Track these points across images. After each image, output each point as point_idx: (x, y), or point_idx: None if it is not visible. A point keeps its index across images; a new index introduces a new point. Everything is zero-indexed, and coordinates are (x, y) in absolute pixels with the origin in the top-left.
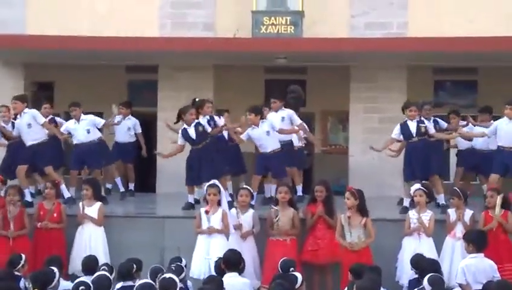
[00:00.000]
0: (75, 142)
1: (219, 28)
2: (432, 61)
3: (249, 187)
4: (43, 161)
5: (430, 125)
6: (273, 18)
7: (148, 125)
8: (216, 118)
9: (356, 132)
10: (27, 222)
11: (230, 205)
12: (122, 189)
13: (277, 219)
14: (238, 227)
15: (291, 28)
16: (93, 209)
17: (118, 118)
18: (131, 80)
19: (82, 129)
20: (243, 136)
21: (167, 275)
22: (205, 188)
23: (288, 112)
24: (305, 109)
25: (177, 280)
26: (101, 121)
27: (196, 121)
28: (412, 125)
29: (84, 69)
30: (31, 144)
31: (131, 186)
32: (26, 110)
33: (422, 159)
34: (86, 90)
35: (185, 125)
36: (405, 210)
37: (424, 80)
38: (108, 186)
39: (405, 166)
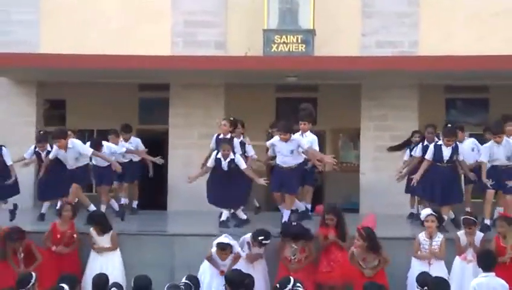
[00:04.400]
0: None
1: (230, 46)
2: (443, 80)
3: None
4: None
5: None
6: (284, 36)
7: (159, 143)
8: (246, 144)
9: (367, 149)
10: (37, 254)
11: None
12: (117, 209)
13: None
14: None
15: (302, 46)
16: (105, 240)
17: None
18: (142, 97)
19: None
20: (268, 143)
21: None
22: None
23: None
24: (316, 127)
25: None
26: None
27: (231, 158)
28: (446, 150)
29: (96, 86)
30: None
31: (135, 204)
32: (70, 144)
33: (446, 186)
34: (97, 108)
35: (220, 156)
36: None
37: (436, 98)
38: (124, 201)
39: (424, 185)
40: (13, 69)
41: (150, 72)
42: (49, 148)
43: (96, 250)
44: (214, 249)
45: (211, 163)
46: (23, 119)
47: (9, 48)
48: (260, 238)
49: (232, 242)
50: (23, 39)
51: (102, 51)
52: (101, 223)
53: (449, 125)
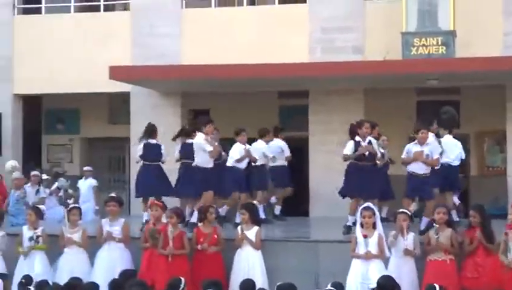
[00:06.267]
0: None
1: (368, 51)
2: None
3: (406, 210)
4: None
5: None
6: (423, 39)
7: (299, 150)
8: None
9: None
10: (186, 244)
11: None
12: (263, 216)
13: (437, 236)
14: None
15: (442, 48)
16: (251, 233)
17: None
18: (282, 105)
19: None
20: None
21: None
22: (360, 210)
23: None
24: (460, 130)
25: None
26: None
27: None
28: None
29: (238, 95)
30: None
31: (278, 210)
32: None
33: None
34: (239, 116)
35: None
36: None
37: None
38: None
39: None
40: (159, 81)
41: (289, 79)
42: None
43: (239, 242)
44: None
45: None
46: (169, 129)
47: (152, 61)
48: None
49: None
50: (165, 51)
51: (242, 60)
52: (252, 212)
53: None
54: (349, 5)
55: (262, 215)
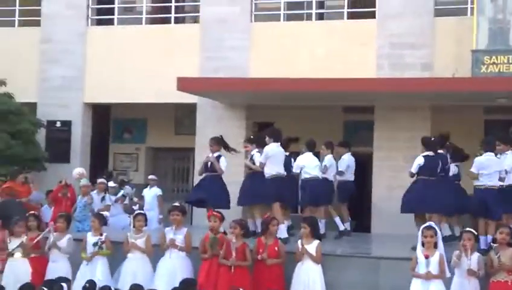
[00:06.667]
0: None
1: (437, 68)
2: None
3: (472, 230)
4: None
5: None
6: (494, 57)
7: (364, 165)
8: None
9: None
10: (248, 255)
11: None
12: (341, 227)
13: (498, 255)
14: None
15: None
16: (311, 247)
17: None
18: (347, 120)
19: None
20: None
21: None
22: (421, 229)
23: None
24: None
25: None
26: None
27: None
28: None
29: (302, 109)
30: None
31: (347, 225)
32: None
33: None
34: (303, 130)
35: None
36: None
37: None
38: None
39: None
40: (225, 93)
41: (355, 95)
42: None
43: (300, 256)
44: None
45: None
46: (233, 141)
47: (219, 73)
48: None
49: None
50: (233, 64)
51: (309, 75)
52: (313, 226)
53: None
54: (419, 21)
55: (322, 231)
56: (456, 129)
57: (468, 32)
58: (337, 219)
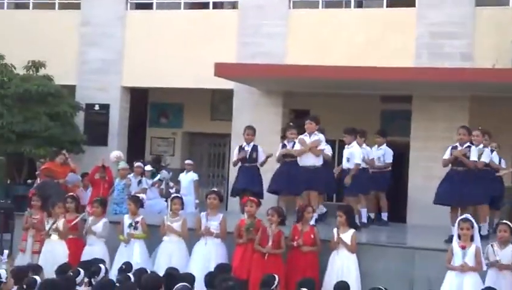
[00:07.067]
0: None
1: (477, 58)
2: None
3: (508, 222)
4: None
5: None
6: None
7: (400, 155)
8: None
9: None
10: (283, 243)
11: None
12: (364, 220)
13: None
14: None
15: None
16: (346, 236)
17: None
18: (384, 109)
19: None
20: None
21: None
22: (458, 221)
23: None
24: None
25: None
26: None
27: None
28: None
29: (339, 97)
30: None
31: (384, 216)
32: None
33: None
34: (339, 118)
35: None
36: None
37: None
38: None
39: None
40: (262, 80)
41: (393, 83)
42: None
43: (334, 245)
44: None
45: None
46: (269, 128)
47: (257, 59)
48: None
49: None
50: (270, 50)
51: (346, 63)
52: (349, 214)
53: None
54: (460, 10)
55: (364, 220)
56: (494, 120)
57: (509, 22)
58: (364, 211)
